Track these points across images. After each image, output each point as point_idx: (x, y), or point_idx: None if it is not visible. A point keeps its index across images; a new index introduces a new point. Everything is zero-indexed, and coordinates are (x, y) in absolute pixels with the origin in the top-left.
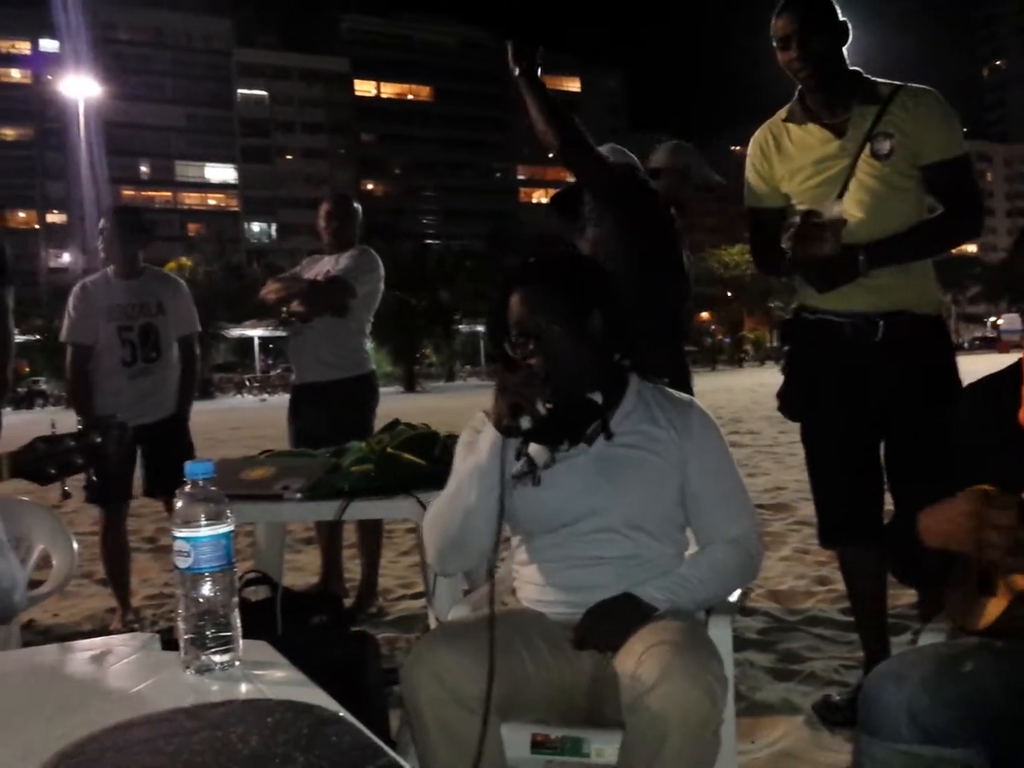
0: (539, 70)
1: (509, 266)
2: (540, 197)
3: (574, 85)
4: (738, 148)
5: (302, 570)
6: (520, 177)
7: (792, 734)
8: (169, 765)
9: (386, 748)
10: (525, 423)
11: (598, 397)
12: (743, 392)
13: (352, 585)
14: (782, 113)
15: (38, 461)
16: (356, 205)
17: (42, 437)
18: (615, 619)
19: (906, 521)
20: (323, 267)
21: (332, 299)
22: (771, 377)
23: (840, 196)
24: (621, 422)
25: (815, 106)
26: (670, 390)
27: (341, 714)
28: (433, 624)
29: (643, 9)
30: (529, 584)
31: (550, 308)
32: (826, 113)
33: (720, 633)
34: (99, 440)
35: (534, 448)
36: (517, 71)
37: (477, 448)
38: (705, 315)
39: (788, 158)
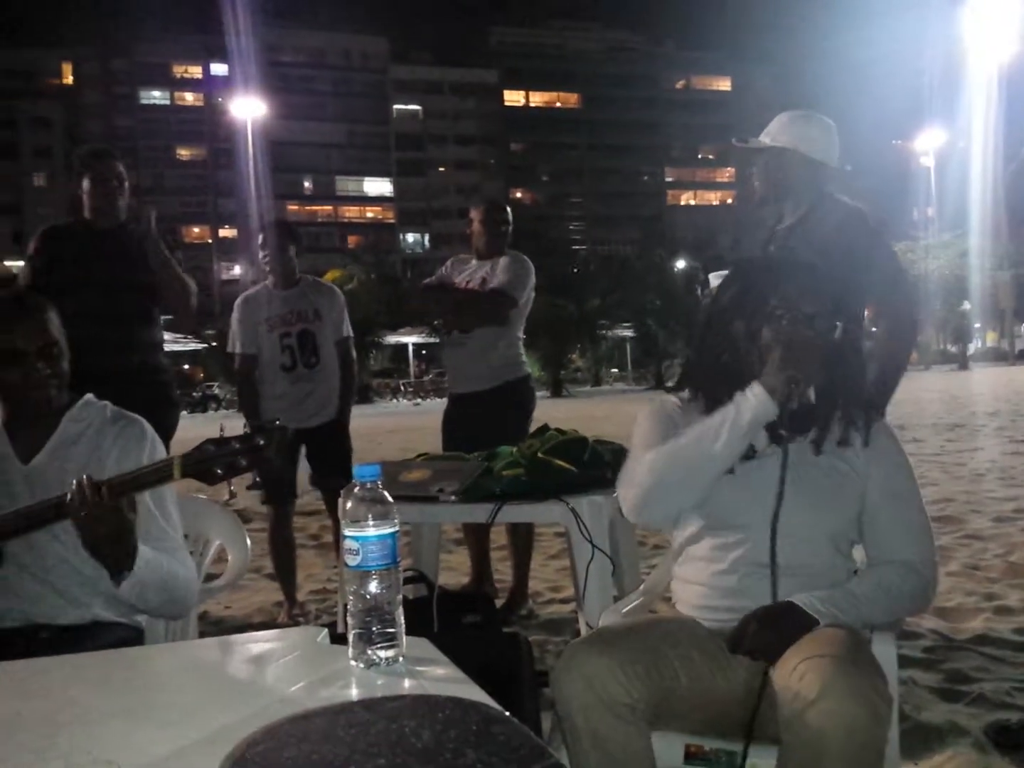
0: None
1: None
2: (688, 199)
3: (724, 84)
4: (899, 142)
5: (454, 570)
6: (668, 179)
7: (959, 757)
8: (348, 755)
9: (551, 750)
10: (793, 402)
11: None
12: (907, 398)
13: (503, 587)
14: None
15: (207, 462)
16: (508, 210)
17: (211, 439)
18: (774, 627)
19: None
20: (476, 273)
21: (497, 312)
22: (938, 382)
23: None
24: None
25: None
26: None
27: (507, 714)
28: (583, 629)
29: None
30: (690, 585)
31: (832, 304)
32: None
33: (884, 650)
34: (262, 443)
35: (759, 437)
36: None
37: (736, 405)
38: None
39: None
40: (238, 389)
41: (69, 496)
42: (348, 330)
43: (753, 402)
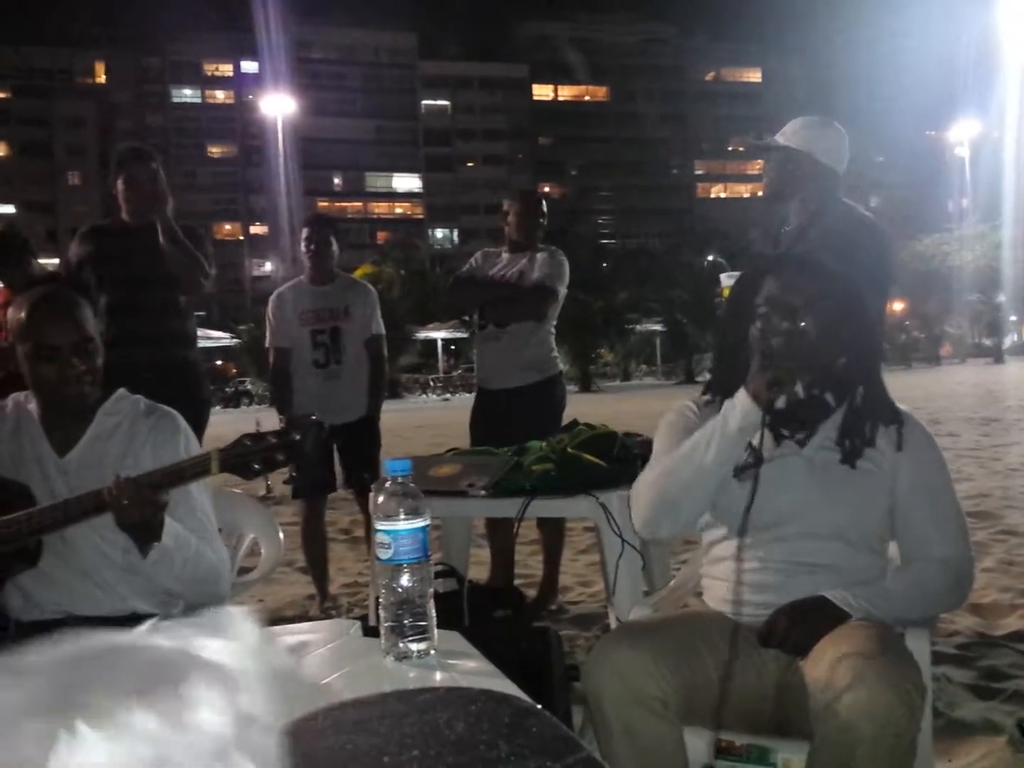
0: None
1: (762, 253)
2: (719, 192)
3: (755, 76)
4: (933, 133)
5: (484, 564)
6: (697, 172)
7: (994, 755)
8: (383, 746)
9: (583, 743)
10: (781, 402)
11: (830, 399)
12: (941, 392)
13: (532, 582)
14: None
15: (244, 457)
16: (544, 202)
17: (247, 434)
18: (805, 621)
19: None
20: (511, 267)
21: (540, 306)
22: (972, 375)
23: None
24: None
25: None
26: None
27: (539, 706)
28: (613, 624)
29: None
30: (719, 582)
31: (816, 296)
32: None
33: (917, 646)
34: (298, 438)
35: (763, 440)
36: None
37: (724, 414)
38: (899, 308)
39: None
40: (272, 384)
41: (108, 492)
42: (380, 327)
43: (738, 409)
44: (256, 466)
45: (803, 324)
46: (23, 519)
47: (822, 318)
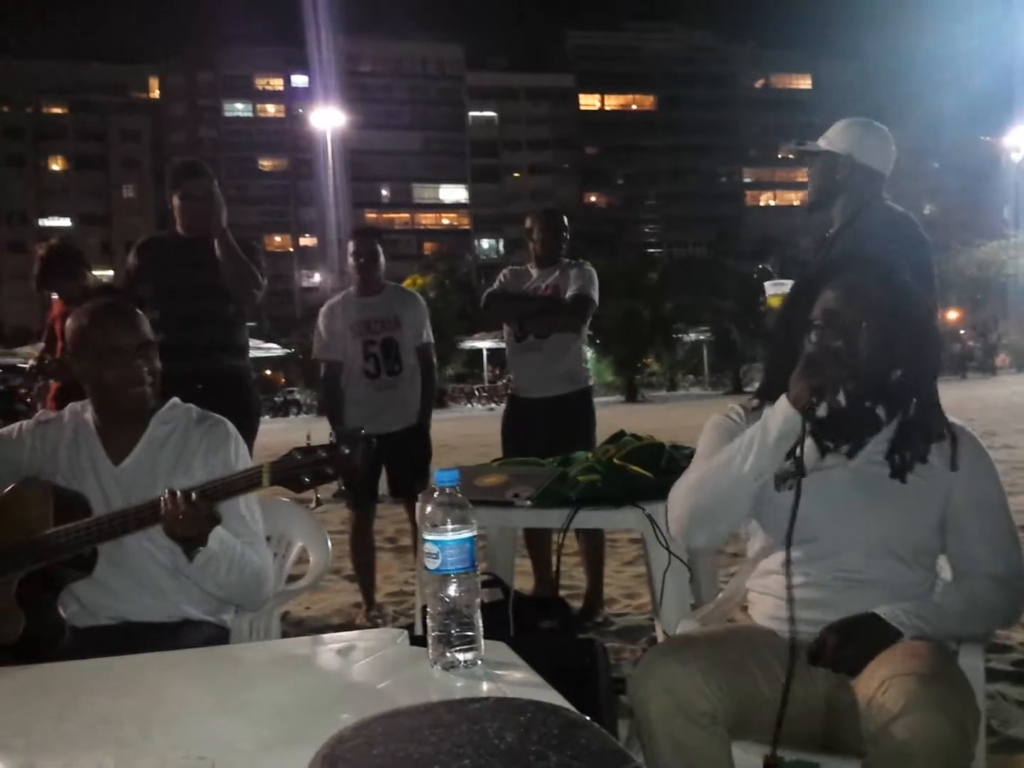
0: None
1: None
2: (768, 200)
3: (804, 83)
4: (989, 138)
5: (529, 574)
6: (746, 180)
7: None
8: (433, 754)
9: (632, 755)
10: (822, 410)
11: (881, 412)
12: (997, 403)
13: (576, 593)
14: None
15: (294, 470)
16: (565, 218)
17: (298, 448)
18: (857, 639)
19: None
20: (543, 281)
21: (582, 316)
22: None
23: None
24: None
25: None
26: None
27: (588, 718)
28: (660, 637)
29: None
30: (769, 597)
31: (870, 305)
32: None
33: (971, 663)
34: (347, 452)
35: (805, 448)
36: None
37: (763, 422)
38: (954, 317)
39: None
40: (323, 395)
41: (163, 505)
42: (429, 335)
43: (779, 415)
44: (306, 479)
45: (857, 336)
46: (82, 528)
47: (878, 330)
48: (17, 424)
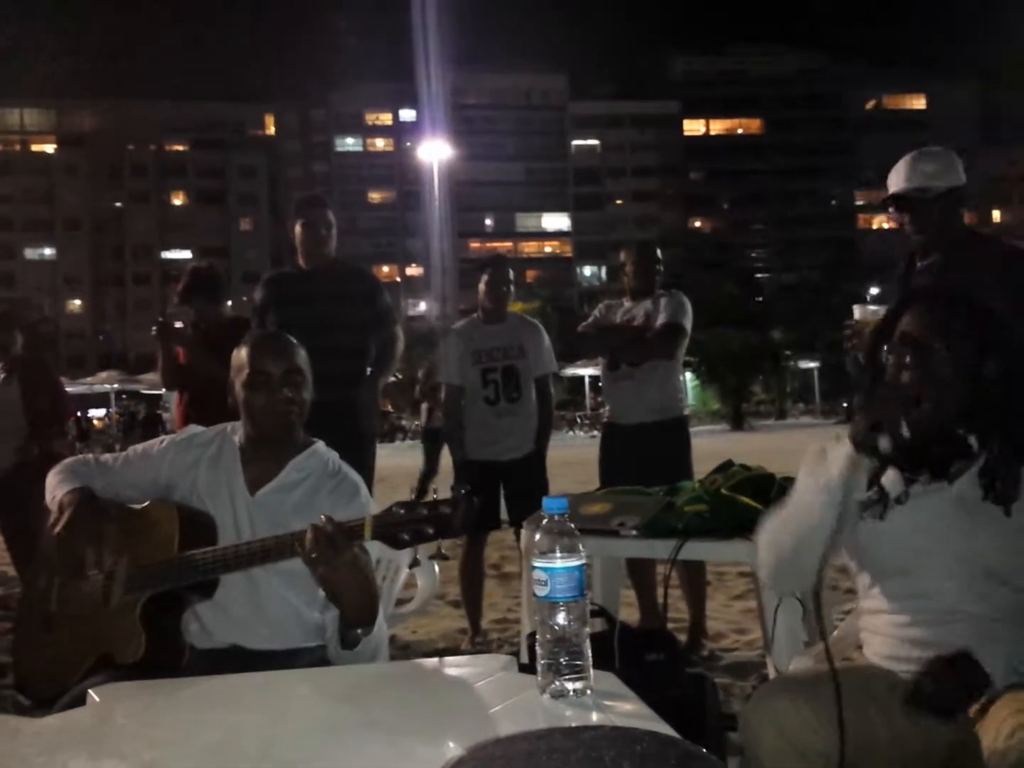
0: None
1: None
2: (881, 223)
3: (919, 102)
4: None
5: (634, 604)
6: (858, 203)
7: None
8: None
9: None
10: (884, 444)
11: (973, 440)
12: None
13: (679, 626)
14: None
15: (394, 527)
16: (659, 251)
17: (401, 502)
18: (949, 681)
19: None
20: (635, 311)
21: (673, 344)
22: None
23: None
24: None
25: None
26: None
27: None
28: (772, 673)
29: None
30: (878, 636)
31: (947, 329)
32: None
33: None
34: (448, 512)
35: (888, 478)
36: None
37: (826, 463)
38: None
39: None
40: (445, 420)
41: (308, 539)
42: (553, 366)
43: (839, 454)
44: (405, 537)
45: (934, 362)
46: (219, 553)
47: (959, 355)
48: (165, 437)
